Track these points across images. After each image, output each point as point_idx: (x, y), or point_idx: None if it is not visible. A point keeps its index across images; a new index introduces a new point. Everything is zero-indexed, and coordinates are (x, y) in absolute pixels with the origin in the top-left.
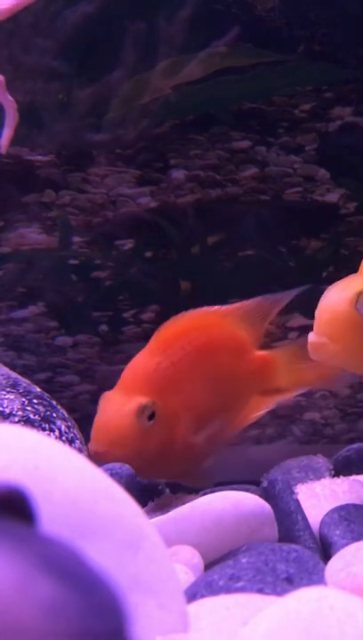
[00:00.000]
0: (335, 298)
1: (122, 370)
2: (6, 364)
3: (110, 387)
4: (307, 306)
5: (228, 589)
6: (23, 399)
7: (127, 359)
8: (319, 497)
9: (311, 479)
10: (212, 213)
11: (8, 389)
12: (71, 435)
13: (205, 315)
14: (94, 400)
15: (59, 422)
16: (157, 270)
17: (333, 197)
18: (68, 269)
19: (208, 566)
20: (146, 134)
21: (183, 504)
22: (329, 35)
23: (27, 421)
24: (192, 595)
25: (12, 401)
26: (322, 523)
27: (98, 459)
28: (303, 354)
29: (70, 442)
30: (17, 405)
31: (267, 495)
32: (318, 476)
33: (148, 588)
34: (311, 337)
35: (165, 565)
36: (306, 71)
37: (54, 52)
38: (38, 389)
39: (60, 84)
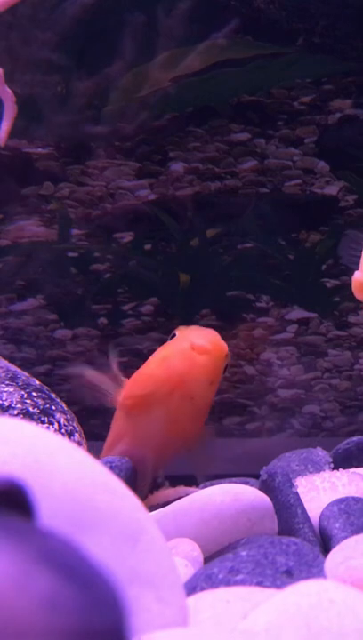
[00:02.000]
0: None
1: (122, 362)
2: (5, 357)
3: None
4: (306, 298)
5: (227, 582)
6: (22, 392)
7: (127, 352)
8: (319, 490)
9: (311, 472)
10: (211, 206)
11: (7, 382)
12: (70, 427)
13: None
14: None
15: (58, 415)
16: (156, 263)
17: (332, 190)
18: (67, 262)
19: (208, 559)
20: (145, 127)
21: (183, 497)
22: (329, 27)
23: (26, 414)
24: (192, 588)
25: (11, 394)
26: (322, 515)
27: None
28: None
29: (69, 435)
30: (16, 398)
31: (266, 488)
32: (318, 469)
33: (147, 582)
34: (358, 276)
35: (165, 558)
36: (305, 64)
37: (53, 45)
38: (37, 382)
39: (59, 76)
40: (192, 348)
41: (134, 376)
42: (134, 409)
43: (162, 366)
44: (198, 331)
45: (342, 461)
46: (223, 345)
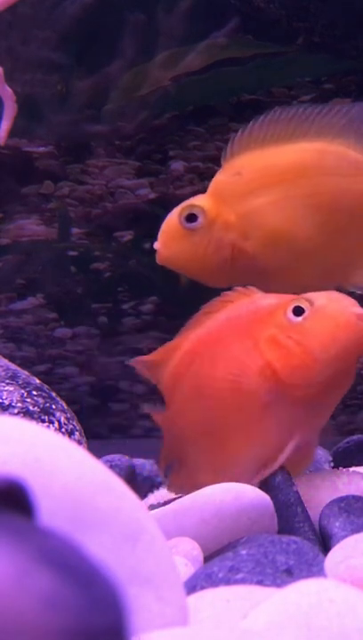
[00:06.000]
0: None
1: (122, 361)
2: (6, 356)
3: (110, 378)
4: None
5: (227, 581)
6: (22, 391)
7: (126, 351)
8: (319, 488)
9: (311, 471)
10: None
11: (7, 381)
12: (70, 426)
13: None
14: (93, 391)
15: (58, 414)
16: (156, 262)
17: None
18: (68, 261)
19: (208, 558)
20: (145, 126)
21: (183, 496)
22: (329, 26)
23: (26, 413)
24: (192, 587)
25: (11, 393)
26: (322, 514)
27: None
28: None
29: (70, 433)
30: (16, 397)
31: (267, 487)
32: (318, 468)
33: (147, 581)
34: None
35: (165, 558)
36: (305, 63)
37: (53, 44)
38: (38, 381)
39: (59, 75)
40: (359, 319)
41: (294, 362)
42: (308, 398)
43: (333, 346)
44: (333, 294)
45: (343, 460)
46: None
